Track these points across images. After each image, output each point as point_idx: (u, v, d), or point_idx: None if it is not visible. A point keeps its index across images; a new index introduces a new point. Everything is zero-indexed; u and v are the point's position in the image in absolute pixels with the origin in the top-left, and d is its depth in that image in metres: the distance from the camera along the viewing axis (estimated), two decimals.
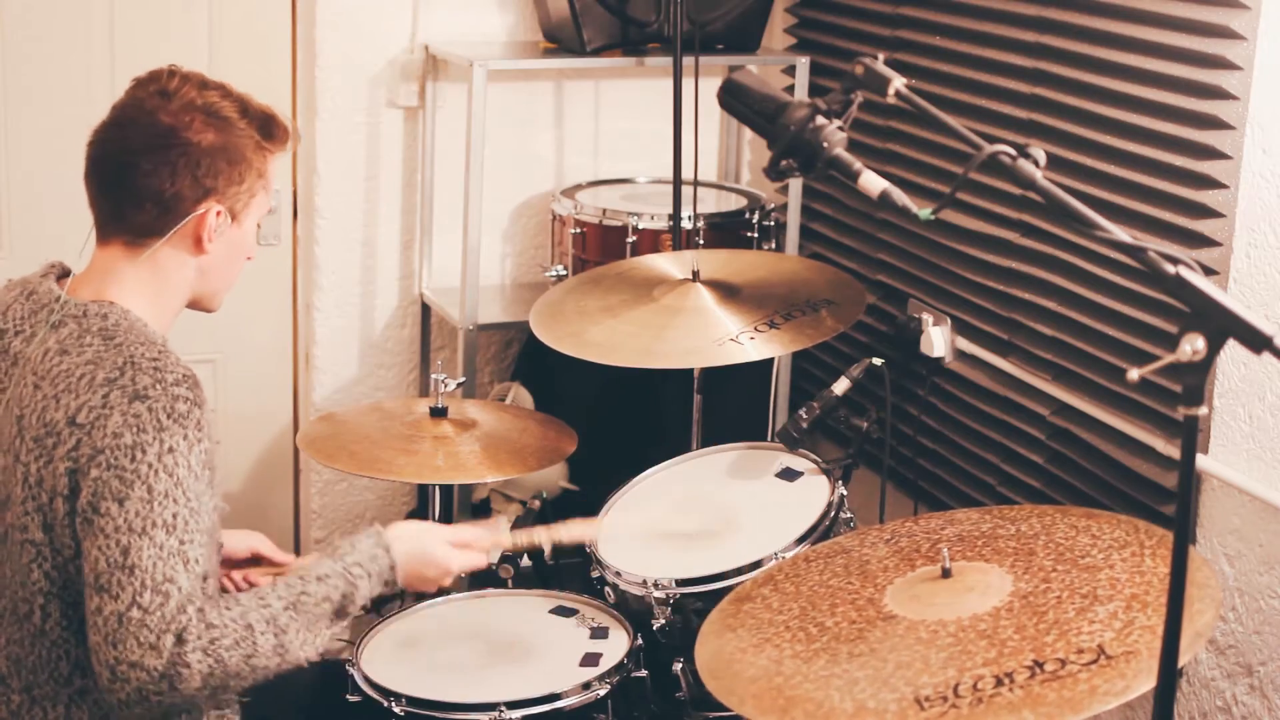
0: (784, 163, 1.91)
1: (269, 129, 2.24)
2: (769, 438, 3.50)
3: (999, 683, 1.91)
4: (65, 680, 2.16)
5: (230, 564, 2.54)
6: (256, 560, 2.55)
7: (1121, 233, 1.65)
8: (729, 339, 2.89)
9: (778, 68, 3.91)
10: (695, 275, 3.07)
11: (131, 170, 2.18)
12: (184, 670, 2.02)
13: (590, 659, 2.62)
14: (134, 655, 2.01)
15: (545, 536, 2.58)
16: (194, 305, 2.31)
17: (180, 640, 2.03)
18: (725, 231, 3.59)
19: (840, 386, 2.90)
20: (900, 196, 1.82)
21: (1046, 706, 1.84)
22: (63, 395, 2.11)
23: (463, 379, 3.30)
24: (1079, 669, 1.89)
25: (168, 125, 2.17)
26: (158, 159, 2.17)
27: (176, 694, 2.03)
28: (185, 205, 2.19)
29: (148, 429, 2.07)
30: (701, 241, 3.48)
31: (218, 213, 2.20)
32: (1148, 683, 1.83)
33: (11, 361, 2.20)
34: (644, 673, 2.63)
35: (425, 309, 3.92)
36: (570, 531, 2.60)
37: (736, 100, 1.98)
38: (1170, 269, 1.57)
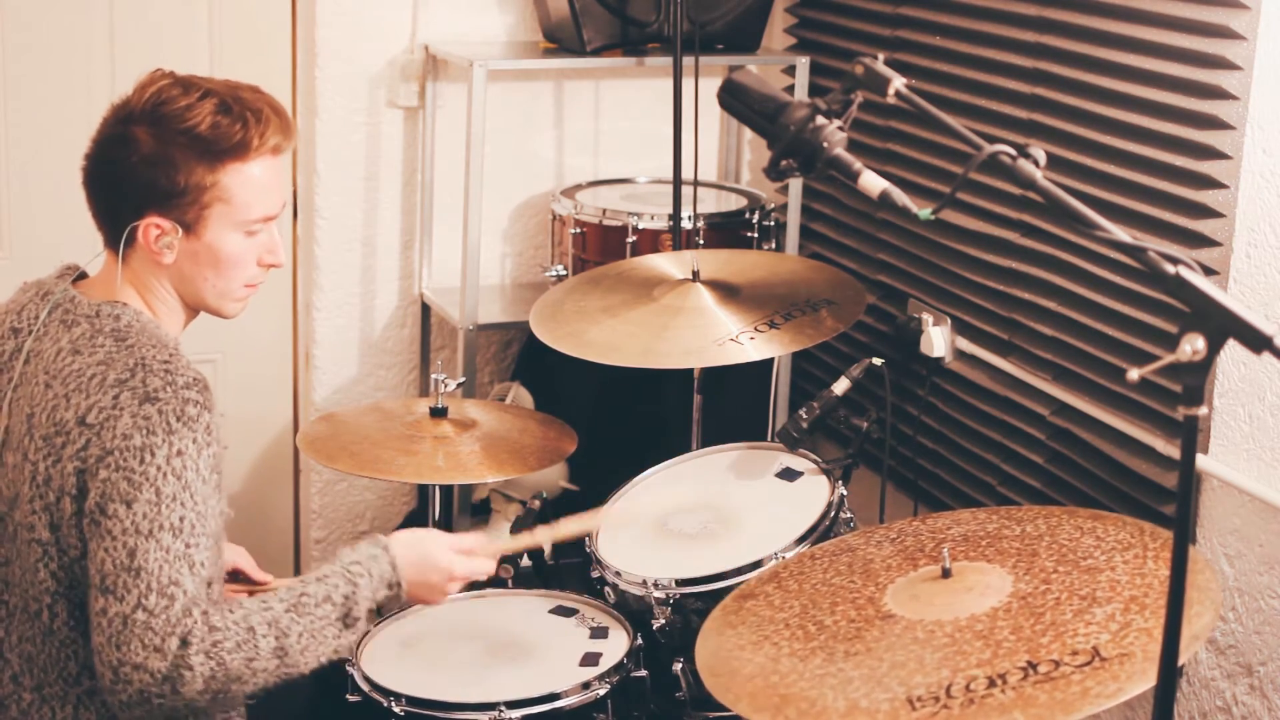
0: (784, 163, 1.91)
1: (211, 147, 2.17)
2: (769, 438, 3.50)
3: (991, 684, 1.91)
4: (74, 680, 2.16)
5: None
6: (236, 576, 2.54)
7: (1121, 233, 1.65)
8: (729, 339, 2.89)
9: (778, 68, 3.91)
10: (695, 275, 3.07)
11: (88, 185, 2.23)
12: (186, 673, 2.02)
13: (590, 659, 2.62)
14: (138, 657, 2.02)
15: (546, 535, 2.57)
16: (206, 310, 2.31)
17: (185, 643, 2.03)
18: (725, 231, 3.59)
19: (840, 386, 2.90)
20: (900, 196, 1.82)
21: (1038, 708, 1.84)
22: (73, 395, 2.11)
23: (463, 379, 3.30)
24: (1072, 670, 1.89)
25: (118, 135, 2.19)
26: (104, 175, 2.21)
27: (178, 697, 2.04)
28: (125, 219, 2.19)
29: (157, 431, 2.07)
30: (701, 241, 3.48)
31: (158, 225, 2.18)
32: (1141, 685, 1.83)
33: (24, 360, 2.20)
34: (644, 673, 2.63)
35: (425, 309, 3.92)
36: (570, 526, 2.58)
37: (736, 100, 1.98)
38: (1170, 269, 1.57)
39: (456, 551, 2.34)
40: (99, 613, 2.04)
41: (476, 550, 2.39)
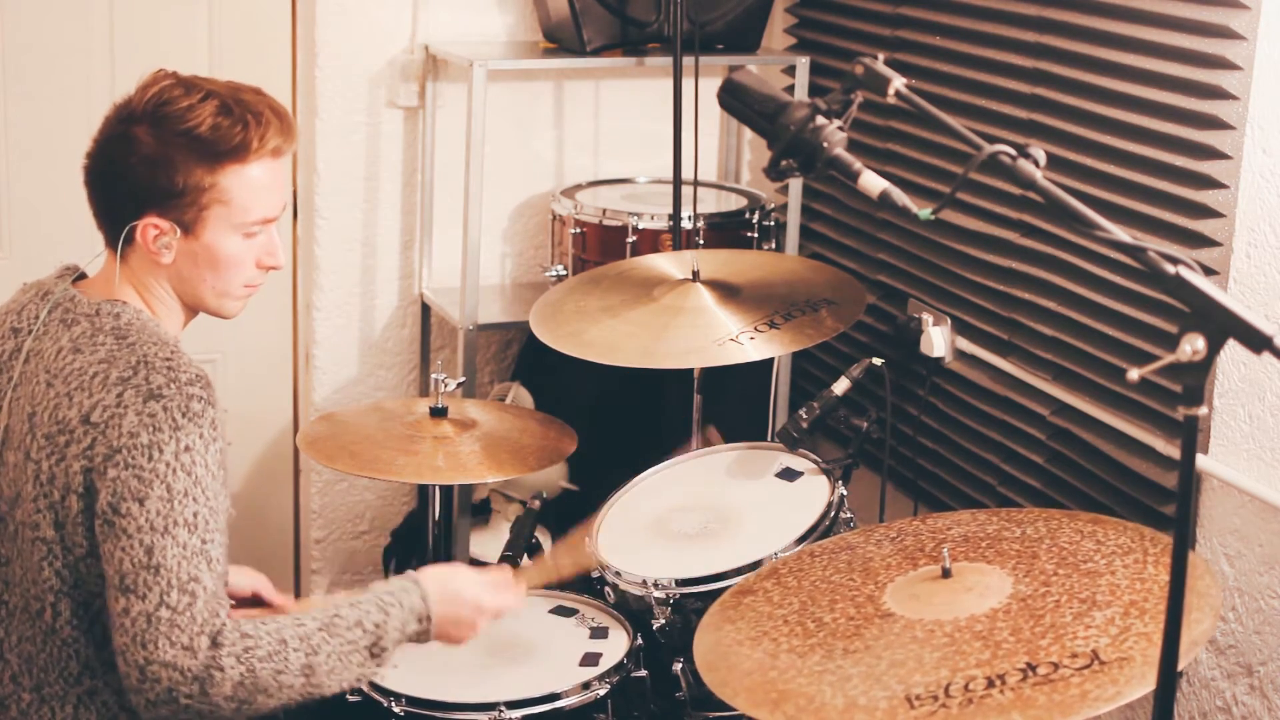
0: (784, 163, 1.91)
1: (210, 148, 2.16)
2: (769, 438, 3.50)
3: (990, 684, 1.91)
4: (75, 680, 2.16)
5: (232, 601, 2.52)
6: (256, 600, 2.54)
7: (1121, 233, 1.66)
8: (729, 339, 2.89)
9: (778, 68, 3.91)
10: (695, 275, 3.06)
11: (89, 185, 2.22)
12: (217, 674, 2.02)
13: (590, 659, 2.63)
14: (167, 655, 2.01)
15: (569, 566, 2.60)
16: (205, 310, 2.31)
17: (215, 644, 2.03)
18: (725, 231, 3.59)
19: (840, 386, 2.90)
20: (900, 196, 1.82)
21: (1036, 709, 1.84)
22: (75, 393, 2.11)
23: (463, 379, 3.30)
24: (1071, 673, 1.89)
25: (119, 135, 2.18)
26: (104, 175, 2.20)
27: (206, 699, 2.03)
28: (124, 218, 2.19)
29: (164, 428, 2.07)
30: (701, 241, 3.48)
31: (156, 225, 2.18)
32: (1140, 689, 1.84)
33: (24, 359, 2.20)
34: (644, 673, 2.63)
35: (425, 309, 3.92)
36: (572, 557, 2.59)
37: (736, 100, 1.98)
38: (1170, 269, 1.57)
39: (485, 586, 2.32)
40: (121, 613, 2.04)
41: (503, 584, 2.36)
